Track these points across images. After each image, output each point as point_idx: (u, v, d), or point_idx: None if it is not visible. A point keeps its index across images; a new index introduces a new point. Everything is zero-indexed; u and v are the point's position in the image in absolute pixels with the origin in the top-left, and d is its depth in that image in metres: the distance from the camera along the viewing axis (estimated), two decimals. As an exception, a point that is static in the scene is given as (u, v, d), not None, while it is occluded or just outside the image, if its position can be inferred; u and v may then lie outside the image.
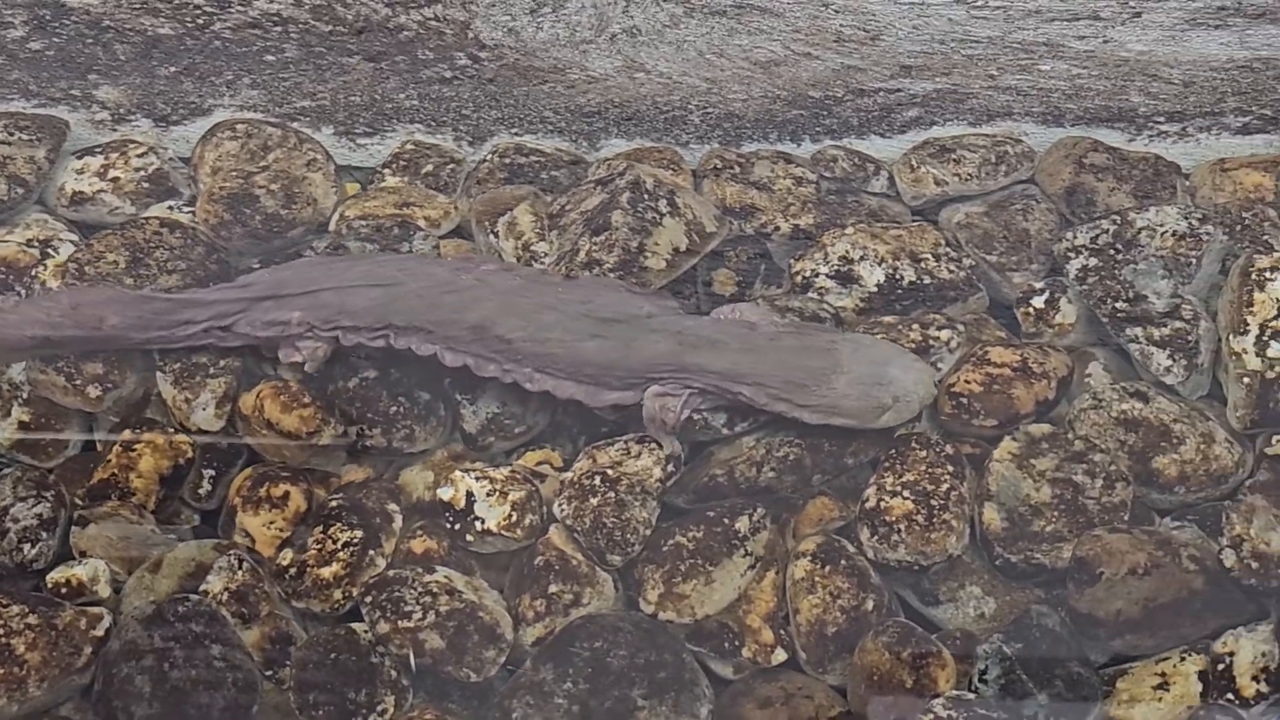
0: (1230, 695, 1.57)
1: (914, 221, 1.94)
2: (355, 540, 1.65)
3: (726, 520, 1.66)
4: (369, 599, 1.61)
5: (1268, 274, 1.77)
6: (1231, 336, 1.76)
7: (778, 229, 1.93)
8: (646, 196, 1.86)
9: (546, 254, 1.85)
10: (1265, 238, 1.88)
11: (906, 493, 1.67)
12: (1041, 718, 1.55)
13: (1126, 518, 1.68)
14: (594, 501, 1.65)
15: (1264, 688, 1.56)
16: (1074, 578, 1.63)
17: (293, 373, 1.75)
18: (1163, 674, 1.60)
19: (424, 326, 1.71)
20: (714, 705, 1.59)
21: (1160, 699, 1.58)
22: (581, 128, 2.02)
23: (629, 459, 1.69)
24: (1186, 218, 1.86)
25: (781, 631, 1.65)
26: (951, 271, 1.87)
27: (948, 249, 1.89)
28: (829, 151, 2.02)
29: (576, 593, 1.64)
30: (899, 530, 1.65)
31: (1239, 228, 1.89)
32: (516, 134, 2.03)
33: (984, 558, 1.68)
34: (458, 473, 1.69)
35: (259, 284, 1.77)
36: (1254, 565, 1.62)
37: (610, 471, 1.67)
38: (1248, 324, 1.76)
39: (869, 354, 1.69)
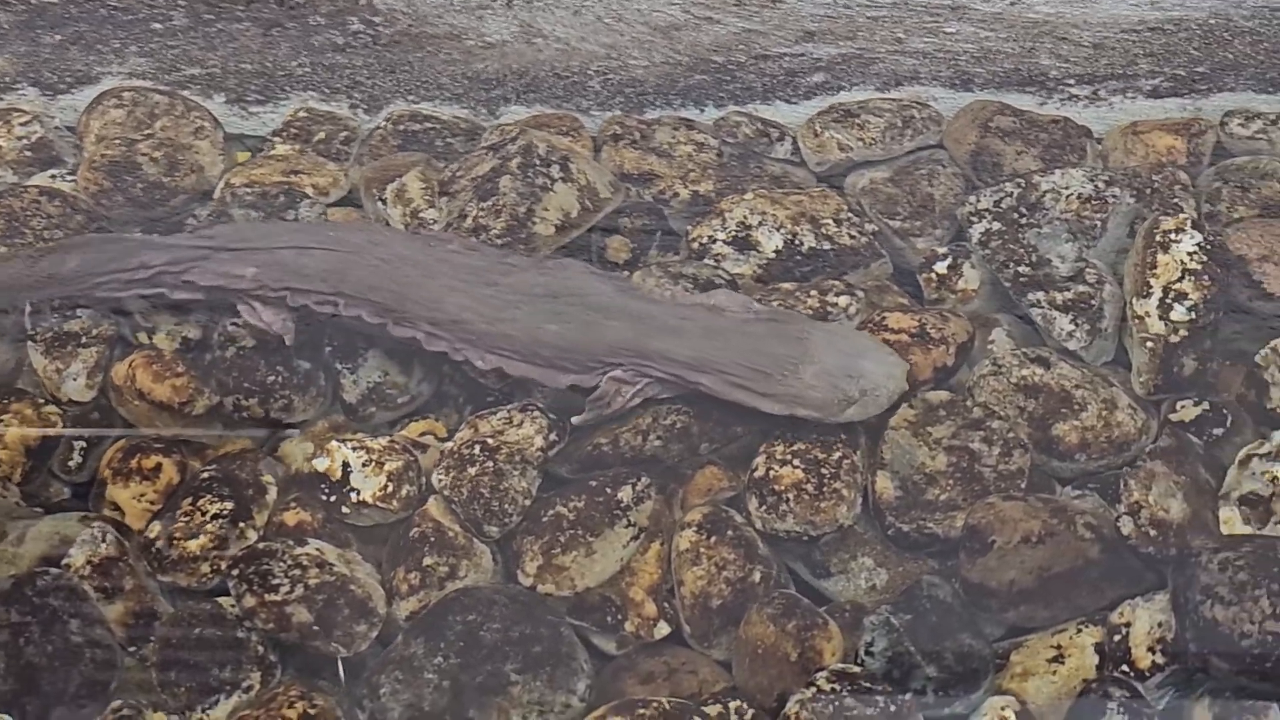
0: (1126, 667, 1.51)
1: (817, 187, 1.88)
2: (225, 512, 1.60)
3: (609, 490, 1.61)
4: (236, 572, 1.56)
5: (1172, 236, 1.72)
6: (1135, 300, 1.71)
7: (676, 195, 1.88)
8: (538, 162, 1.82)
9: (435, 221, 1.80)
10: (1175, 200, 1.83)
11: (797, 461, 1.62)
12: (929, 691, 1.50)
13: (1024, 485, 1.62)
14: (472, 471, 1.60)
15: (1160, 659, 1.51)
16: (965, 547, 1.58)
17: (171, 342, 1.69)
18: (1059, 646, 1.55)
19: (376, 299, 1.66)
20: (593, 680, 1.53)
21: (1055, 672, 1.53)
22: (480, 95, 1.97)
23: (511, 428, 1.64)
24: (1092, 180, 1.81)
25: (666, 605, 1.59)
26: (853, 237, 1.82)
27: (850, 215, 1.84)
28: (732, 118, 1.97)
29: (452, 565, 1.59)
30: (787, 500, 1.60)
31: (1148, 191, 1.84)
32: (414, 101, 1.98)
33: (877, 528, 1.62)
34: (334, 443, 1.64)
35: (220, 235, 1.72)
36: (1152, 533, 1.56)
37: (490, 441, 1.62)
38: (1150, 287, 1.71)
39: (842, 345, 1.64)
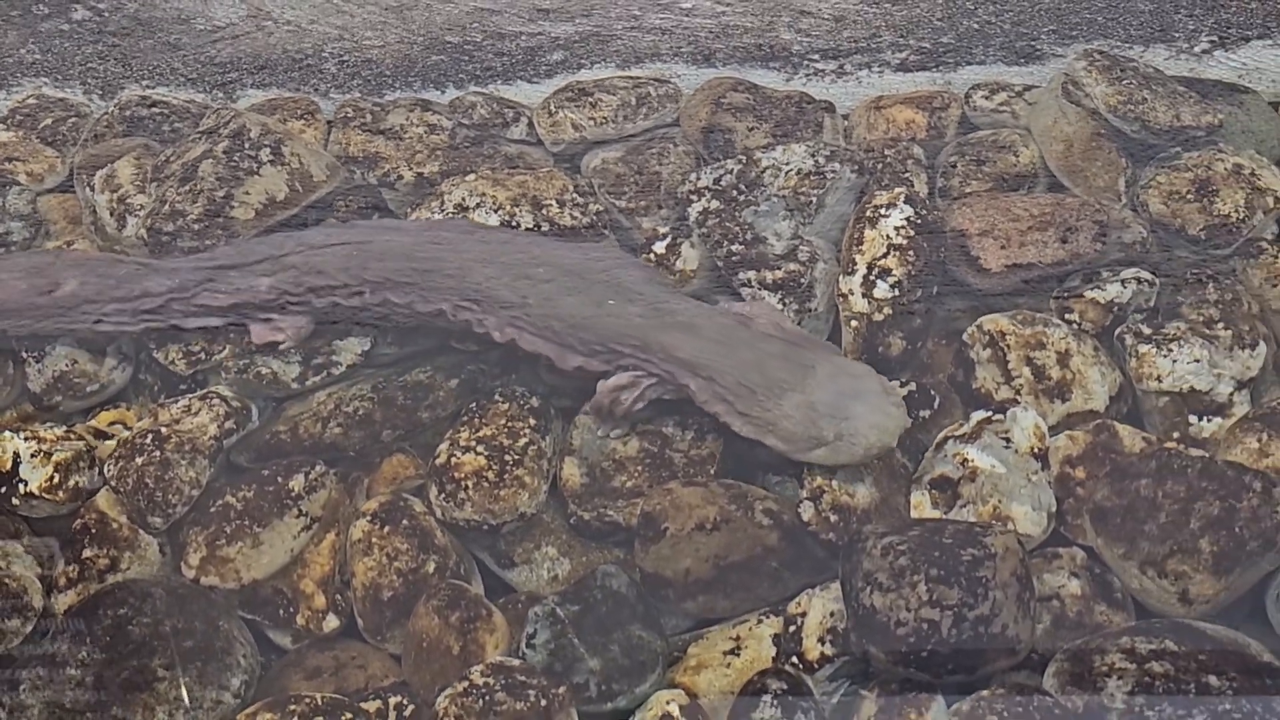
0: (796, 659, 1.45)
1: (545, 168, 1.83)
2: (-111, 506, 1.56)
3: (280, 479, 1.56)
4: (-116, 568, 1.52)
5: (883, 210, 1.67)
6: (841, 277, 1.65)
7: (401, 177, 1.84)
8: (247, 146, 1.77)
9: (143, 207, 1.75)
10: (905, 175, 1.77)
11: (481, 448, 1.57)
12: (592, 684, 1.44)
13: (713, 471, 1.56)
14: (139, 461, 1.56)
15: (829, 650, 1.45)
16: (639, 534, 1.52)
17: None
18: (737, 638, 1.49)
19: (400, 279, 1.62)
20: (250, 676, 1.48)
21: (729, 664, 1.48)
22: (216, 79, 1.93)
23: (188, 416, 1.59)
24: (814, 155, 1.75)
25: (338, 597, 1.54)
26: (575, 218, 1.77)
27: (575, 195, 1.79)
28: (468, 98, 1.92)
29: (114, 557, 1.54)
30: (466, 488, 1.55)
31: (880, 165, 1.78)
32: (149, 86, 1.93)
33: (563, 517, 1.57)
34: (6, 433, 1.59)
35: (222, 254, 1.68)
36: (833, 519, 1.51)
37: (164, 430, 1.57)
38: (856, 263, 1.65)
39: (845, 383, 1.56)
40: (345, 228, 1.72)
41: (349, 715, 1.43)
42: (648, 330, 1.57)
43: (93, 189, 1.79)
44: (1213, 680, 1.37)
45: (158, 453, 1.56)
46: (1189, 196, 1.75)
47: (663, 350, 1.56)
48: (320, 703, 1.44)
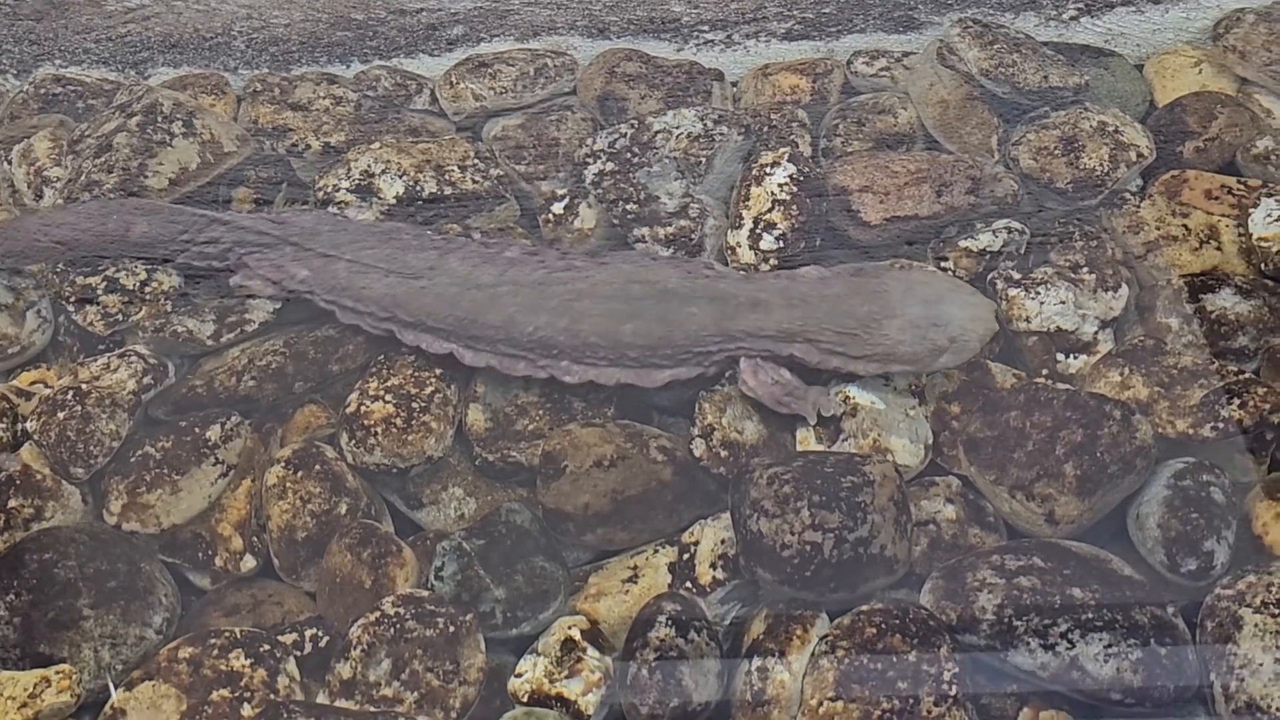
0: (690, 584, 1.54)
1: (449, 136, 1.91)
2: None
3: (198, 429, 1.63)
4: None
5: (768, 169, 1.76)
6: (730, 231, 1.74)
7: (309, 147, 1.91)
8: (160, 119, 1.84)
9: (59, 179, 1.82)
10: (790, 136, 1.86)
11: (389, 396, 1.65)
12: (497, 612, 1.52)
13: (610, 412, 1.65)
14: (61, 415, 1.62)
15: (720, 574, 1.53)
16: (541, 473, 1.60)
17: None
18: (635, 567, 1.58)
19: (437, 325, 1.66)
20: (171, 615, 1.55)
21: (628, 591, 1.56)
22: (128, 58, 2.00)
23: (107, 373, 1.66)
24: (702, 120, 1.84)
25: (255, 539, 1.61)
26: (476, 182, 1.85)
27: (477, 161, 1.87)
28: (373, 71, 2.00)
29: (38, 507, 1.61)
30: (376, 434, 1.62)
31: (767, 128, 1.87)
32: (62, 66, 2.00)
33: (468, 459, 1.65)
34: (-71, 394, 1.66)
35: (291, 226, 1.74)
36: (723, 454, 1.60)
37: (84, 386, 1.64)
38: (743, 218, 1.74)
39: (922, 293, 1.62)
40: (402, 247, 1.72)
41: (266, 646, 1.50)
42: (720, 321, 1.62)
43: (10, 163, 1.85)
44: (1076, 592, 1.46)
45: (79, 407, 1.63)
46: (1057, 152, 1.85)
47: (746, 334, 1.62)
48: (239, 635, 1.51)
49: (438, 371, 1.67)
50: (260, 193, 1.86)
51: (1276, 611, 1.43)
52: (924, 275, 1.68)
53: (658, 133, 1.83)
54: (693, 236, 1.75)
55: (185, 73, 2.01)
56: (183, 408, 1.67)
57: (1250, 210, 1.77)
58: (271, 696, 1.47)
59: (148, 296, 1.72)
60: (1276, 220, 1.74)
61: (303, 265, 1.71)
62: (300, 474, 1.62)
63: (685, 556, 1.56)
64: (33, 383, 1.71)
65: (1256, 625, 1.43)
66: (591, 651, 1.49)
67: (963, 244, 1.75)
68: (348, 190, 1.83)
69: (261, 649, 1.50)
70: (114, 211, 1.74)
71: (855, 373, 1.61)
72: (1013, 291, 1.71)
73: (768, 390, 1.61)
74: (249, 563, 1.61)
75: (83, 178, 1.78)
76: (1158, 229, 1.77)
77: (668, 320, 1.62)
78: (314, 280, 1.71)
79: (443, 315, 1.66)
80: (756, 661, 1.46)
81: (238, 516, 1.62)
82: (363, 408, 1.64)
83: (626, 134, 1.84)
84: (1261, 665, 1.40)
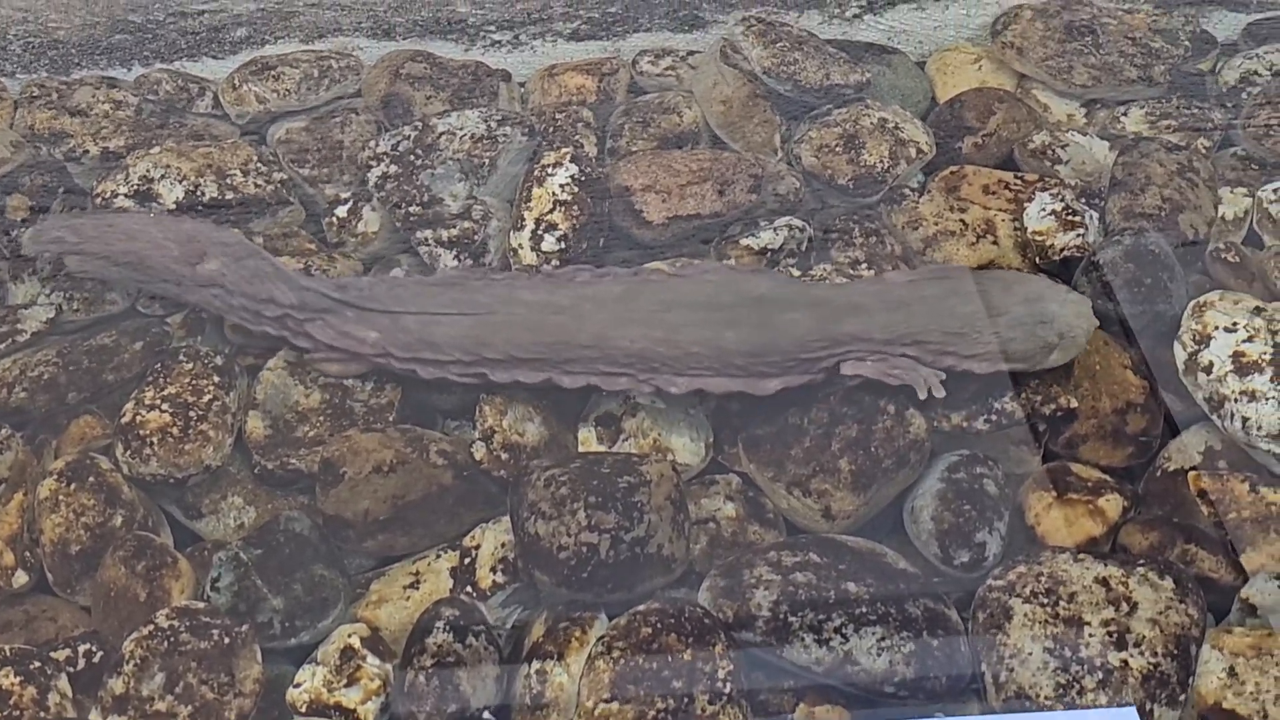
0: (470, 588, 1.53)
1: (230, 140, 1.89)
2: None
3: (-34, 443, 1.59)
4: None
5: (550, 170, 1.76)
6: (512, 232, 1.74)
7: (87, 152, 1.88)
8: (-75, 125, 1.80)
9: None
10: (575, 137, 1.86)
11: (165, 405, 1.63)
12: (276, 621, 1.51)
13: (392, 418, 1.64)
14: None
15: (500, 578, 1.53)
16: (320, 480, 1.59)
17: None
18: (417, 573, 1.57)
19: (527, 355, 1.60)
20: (-60, 635, 1.52)
21: (409, 598, 1.55)
22: (-101, 62, 1.95)
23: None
24: (486, 121, 1.84)
25: (28, 554, 1.58)
26: (259, 186, 1.83)
27: (259, 164, 1.85)
28: (154, 75, 1.97)
29: None
30: (152, 444, 1.60)
31: (552, 128, 1.87)
32: None
33: (248, 467, 1.63)
34: None
35: (350, 289, 1.65)
36: (504, 457, 1.59)
37: None
38: (524, 219, 1.74)
39: (1021, 291, 1.61)
40: (467, 289, 1.67)
41: (37, 664, 1.47)
42: (824, 327, 1.60)
43: None
44: (851, 587, 1.47)
45: None
46: (838, 149, 1.87)
47: (852, 337, 1.59)
48: (9, 654, 1.48)
49: (216, 379, 1.65)
50: (35, 200, 1.82)
51: (1045, 601, 1.45)
52: (1020, 276, 1.67)
53: (441, 134, 1.82)
54: (476, 238, 1.75)
55: (-42, 78, 1.96)
56: (-49, 421, 1.63)
57: (1025, 205, 1.80)
58: (42, 715, 1.45)
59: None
60: (1049, 214, 1.77)
61: (370, 327, 1.65)
62: (74, 486, 1.59)
63: (466, 561, 1.55)
64: None
65: (1026, 615, 1.45)
66: (371, 659, 1.48)
67: (744, 241, 1.76)
68: (125, 195, 1.80)
69: (32, 666, 1.47)
70: (191, 236, 1.67)
71: (971, 371, 1.60)
72: (792, 289, 1.72)
73: (874, 364, 1.59)
74: (21, 578, 1.58)
75: None
76: (936, 224, 1.80)
77: (769, 327, 1.60)
78: (385, 341, 1.64)
79: (530, 344, 1.61)
80: (536, 665, 1.46)
81: (9, 531, 1.59)
82: (138, 417, 1.62)
83: (410, 136, 1.83)
84: (1030, 654, 1.42)
